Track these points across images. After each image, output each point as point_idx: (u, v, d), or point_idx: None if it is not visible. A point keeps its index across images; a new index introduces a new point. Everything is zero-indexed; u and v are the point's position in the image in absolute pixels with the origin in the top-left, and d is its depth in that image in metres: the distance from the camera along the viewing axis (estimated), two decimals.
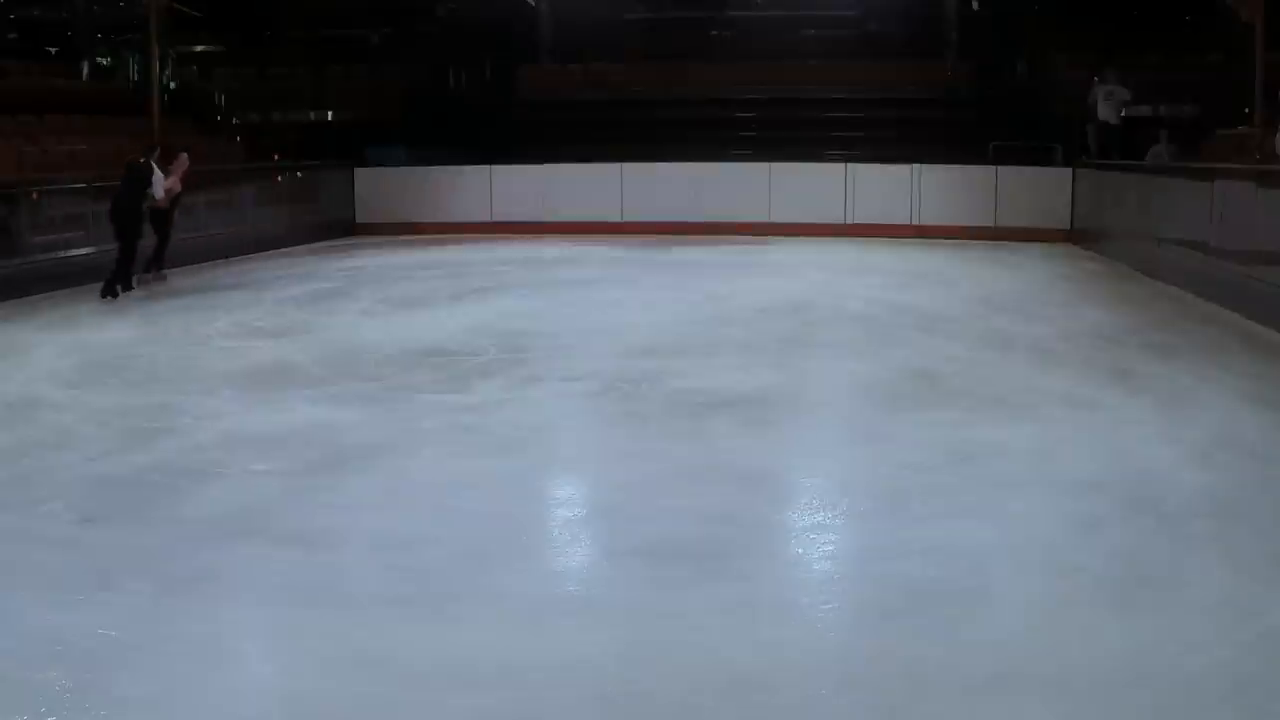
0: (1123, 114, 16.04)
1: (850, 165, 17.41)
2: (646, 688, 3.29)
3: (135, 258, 11.35)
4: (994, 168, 17.08)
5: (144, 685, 3.29)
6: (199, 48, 24.30)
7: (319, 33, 22.63)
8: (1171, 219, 11.85)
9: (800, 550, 4.52)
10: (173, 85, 22.39)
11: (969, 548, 4.33)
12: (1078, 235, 16.01)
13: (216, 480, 5.25)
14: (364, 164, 18.92)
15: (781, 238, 16.49)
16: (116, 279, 11.03)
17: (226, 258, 14.49)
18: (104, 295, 10.85)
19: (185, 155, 12.33)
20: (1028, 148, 17.29)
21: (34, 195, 11.86)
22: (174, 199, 12.21)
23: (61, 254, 11.98)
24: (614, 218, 17.74)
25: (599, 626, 3.68)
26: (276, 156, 18.39)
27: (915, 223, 16.97)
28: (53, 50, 23.30)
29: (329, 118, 21.56)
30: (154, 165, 11.64)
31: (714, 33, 22.69)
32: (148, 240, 11.85)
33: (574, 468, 5.75)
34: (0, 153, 12.87)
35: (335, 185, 18.47)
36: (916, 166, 17.06)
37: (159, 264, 12.21)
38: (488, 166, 18.50)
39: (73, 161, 13.64)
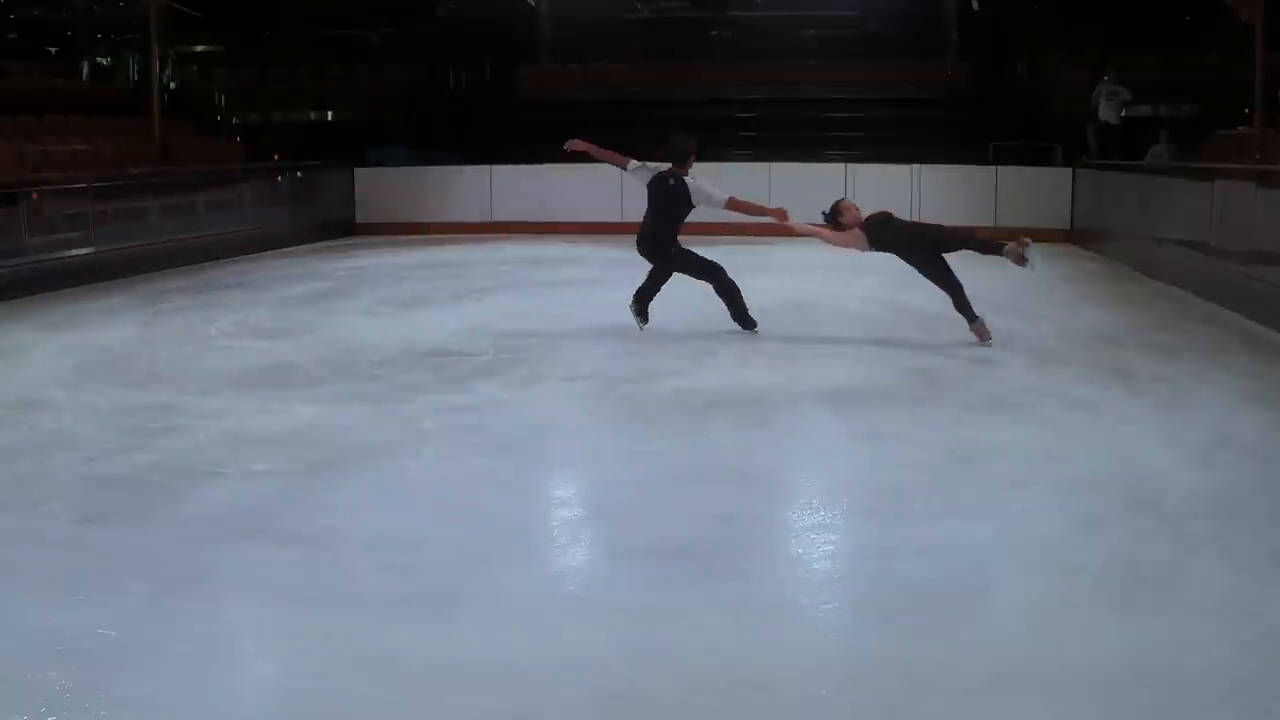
0: (1123, 114, 16.06)
1: (850, 165, 17.37)
2: (646, 688, 3.29)
3: None
4: (994, 168, 17.07)
5: (144, 685, 3.29)
6: (199, 48, 24.34)
7: (319, 33, 22.63)
8: (1171, 219, 11.84)
9: (800, 550, 4.52)
10: (173, 85, 22.38)
11: (969, 547, 4.33)
12: (1078, 235, 16.00)
13: (216, 480, 5.24)
14: (364, 164, 18.91)
15: (782, 238, 16.43)
16: None
17: (226, 258, 14.49)
18: None
19: None
20: (1028, 148, 17.29)
21: (34, 195, 11.87)
22: None
23: (61, 254, 11.98)
24: (614, 218, 17.70)
25: (599, 626, 3.67)
26: (276, 156, 18.38)
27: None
28: (53, 50, 23.31)
29: (329, 118, 21.57)
30: None
31: (714, 33, 22.71)
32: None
33: (574, 468, 5.75)
34: (0, 153, 12.87)
35: (335, 185, 18.46)
36: (916, 166, 17.04)
37: None
38: (488, 166, 18.48)
39: (73, 161, 13.64)
